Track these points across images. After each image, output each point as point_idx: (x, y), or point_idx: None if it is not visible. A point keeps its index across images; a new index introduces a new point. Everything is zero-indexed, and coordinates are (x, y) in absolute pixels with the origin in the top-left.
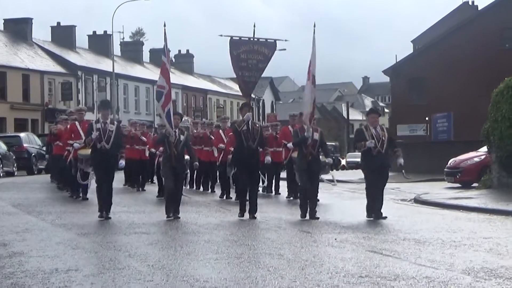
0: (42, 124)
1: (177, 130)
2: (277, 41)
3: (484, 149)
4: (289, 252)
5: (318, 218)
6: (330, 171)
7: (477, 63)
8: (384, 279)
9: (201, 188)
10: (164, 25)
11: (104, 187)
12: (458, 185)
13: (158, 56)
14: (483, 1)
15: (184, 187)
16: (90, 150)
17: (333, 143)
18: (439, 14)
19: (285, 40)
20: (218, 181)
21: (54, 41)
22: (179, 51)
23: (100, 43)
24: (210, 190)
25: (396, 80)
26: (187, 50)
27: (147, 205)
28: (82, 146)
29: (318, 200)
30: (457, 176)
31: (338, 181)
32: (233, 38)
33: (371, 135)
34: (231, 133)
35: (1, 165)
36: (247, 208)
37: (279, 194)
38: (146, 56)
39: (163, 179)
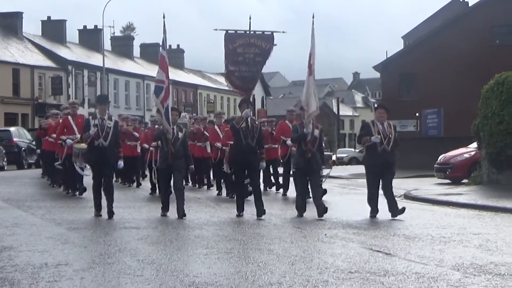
0: (32, 118)
1: (175, 127)
2: (274, 34)
3: (474, 145)
4: (279, 248)
5: (323, 215)
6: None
7: (467, 59)
8: (373, 275)
9: (196, 185)
10: (164, 17)
11: (101, 185)
12: (448, 181)
13: (149, 51)
14: None
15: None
16: (84, 144)
17: (324, 139)
18: (429, 10)
19: (283, 32)
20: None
21: (44, 35)
22: (170, 46)
23: (90, 38)
24: (207, 187)
25: (386, 76)
26: (178, 45)
27: (137, 201)
28: (76, 141)
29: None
30: (447, 172)
31: (329, 176)
32: (229, 31)
33: (378, 131)
34: (227, 128)
35: None
36: (245, 207)
37: (278, 190)
38: (136, 51)
39: (154, 178)
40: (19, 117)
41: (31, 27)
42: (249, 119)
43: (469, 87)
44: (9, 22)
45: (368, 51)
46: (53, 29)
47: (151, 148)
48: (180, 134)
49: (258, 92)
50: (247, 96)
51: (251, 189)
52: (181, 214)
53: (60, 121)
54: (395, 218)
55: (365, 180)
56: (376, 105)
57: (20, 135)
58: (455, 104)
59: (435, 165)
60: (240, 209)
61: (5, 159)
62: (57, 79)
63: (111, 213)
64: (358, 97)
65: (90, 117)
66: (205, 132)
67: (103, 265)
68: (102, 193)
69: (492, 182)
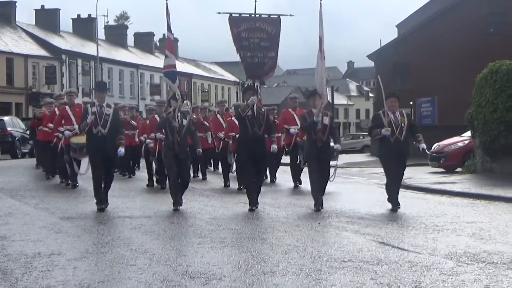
0: (26, 108)
1: (179, 114)
2: (281, 17)
3: (468, 134)
4: (272, 237)
5: (321, 208)
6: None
7: (461, 48)
8: (366, 264)
9: (199, 176)
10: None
11: (101, 175)
12: (441, 169)
13: (143, 40)
14: None
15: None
16: (84, 138)
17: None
18: None
19: (290, 15)
20: (218, 169)
21: (38, 24)
22: (164, 35)
23: (84, 27)
24: (201, 177)
25: (380, 65)
26: None
27: (132, 190)
28: (74, 133)
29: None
30: (441, 161)
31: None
32: (233, 15)
33: (389, 121)
34: (230, 118)
35: None
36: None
37: (274, 181)
38: (130, 40)
39: (154, 170)
40: (12, 107)
41: (25, 16)
42: (255, 107)
43: (463, 76)
44: (2, 11)
45: (362, 40)
46: (47, 18)
47: (147, 140)
48: (185, 122)
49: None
50: (253, 83)
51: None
52: (179, 203)
53: (56, 110)
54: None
55: (360, 169)
56: (386, 94)
57: (14, 125)
58: (449, 93)
59: (429, 154)
60: (253, 202)
61: None
62: (51, 68)
63: (104, 200)
64: (353, 86)
65: (88, 105)
66: (205, 122)
67: (96, 254)
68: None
69: (486, 170)
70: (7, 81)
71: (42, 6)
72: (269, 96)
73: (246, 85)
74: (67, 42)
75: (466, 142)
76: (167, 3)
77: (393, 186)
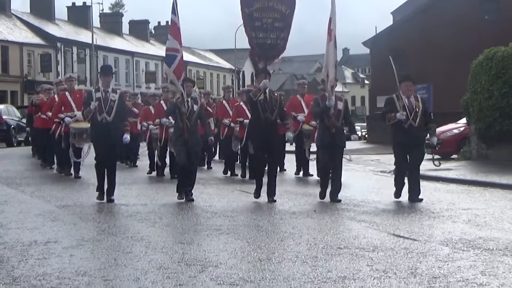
0: (21, 96)
1: (189, 100)
2: None
3: (463, 120)
4: (268, 224)
5: (340, 200)
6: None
7: (457, 35)
8: (362, 250)
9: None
10: None
11: (106, 166)
12: (437, 156)
13: (138, 28)
14: None
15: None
16: (83, 123)
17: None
18: None
19: None
20: (218, 156)
21: (32, 12)
22: (159, 22)
23: (79, 15)
24: (206, 166)
25: (376, 52)
26: (167, 22)
27: (128, 178)
28: (75, 119)
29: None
30: (436, 148)
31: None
32: None
33: (403, 105)
34: (237, 103)
35: None
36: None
37: (285, 170)
38: (125, 27)
39: (158, 158)
40: (8, 95)
41: (19, 3)
42: (267, 91)
43: (458, 62)
44: None
45: (357, 26)
46: (42, 5)
47: (150, 126)
48: (195, 107)
49: (248, 68)
50: (265, 66)
51: (267, 165)
52: (187, 192)
53: (55, 97)
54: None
55: (356, 156)
56: (401, 77)
57: (10, 113)
58: (444, 80)
59: (425, 141)
60: (258, 192)
61: None
62: (46, 56)
63: (110, 194)
64: (348, 73)
65: (93, 90)
66: (208, 108)
67: (92, 242)
68: (117, 179)
69: (481, 157)
70: (2, 69)
71: None
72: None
73: (241, 72)
74: (62, 30)
75: (462, 129)
76: None
77: (410, 180)
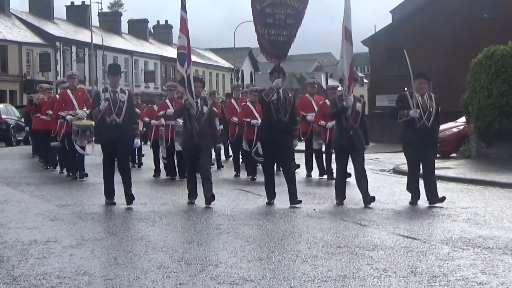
0: (20, 95)
1: (199, 101)
2: None
3: (463, 119)
4: (268, 223)
5: (373, 200)
6: None
7: (455, 34)
8: (362, 249)
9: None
10: None
11: (113, 168)
12: (437, 155)
13: (137, 27)
14: None
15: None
16: (86, 121)
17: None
18: None
19: None
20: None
21: (31, 11)
22: (158, 22)
23: (78, 14)
24: (216, 167)
25: (374, 50)
26: (166, 21)
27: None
28: (77, 118)
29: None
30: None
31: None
32: None
33: (417, 103)
34: (244, 103)
35: None
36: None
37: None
38: (124, 27)
39: (162, 158)
40: (7, 94)
41: (18, 3)
42: (281, 91)
43: (457, 61)
44: None
45: (356, 25)
46: (40, 5)
47: (152, 122)
48: (205, 109)
49: (246, 67)
50: (278, 64)
51: (282, 171)
52: (209, 197)
53: (57, 96)
54: (433, 205)
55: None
56: (415, 74)
57: (9, 112)
58: (443, 79)
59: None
60: (271, 196)
61: None
62: (45, 55)
63: (130, 198)
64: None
65: (101, 90)
66: (214, 108)
67: (92, 241)
68: (114, 178)
69: (480, 156)
70: (1, 68)
71: None
72: (263, 81)
73: (240, 71)
74: (61, 29)
75: (461, 127)
76: None
77: (426, 182)
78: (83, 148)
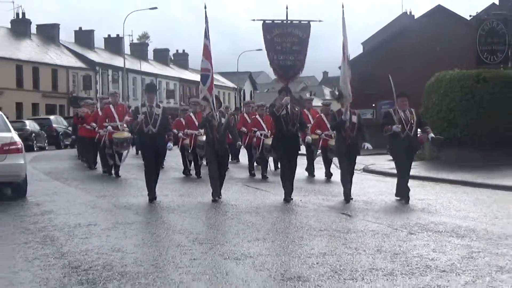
0: (67, 108)
1: (218, 113)
2: (311, 22)
3: (419, 130)
4: (264, 211)
5: (352, 199)
6: None
7: (414, 61)
8: (339, 232)
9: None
10: (205, 7)
11: (153, 169)
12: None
13: (160, 55)
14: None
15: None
16: (124, 133)
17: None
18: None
19: (319, 21)
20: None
21: (76, 42)
22: (177, 50)
23: (113, 44)
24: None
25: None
26: (183, 50)
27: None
28: (116, 127)
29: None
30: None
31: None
32: (266, 21)
33: (399, 118)
34: (254, 116)
35: (35, 141)
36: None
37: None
38: (150, 54)
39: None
40: (57, 108)
41: (66, 35)
42: (289, 106)
43: (416, 83)
44: (49, 32)
45: (334, 54)
46: (84, 37)
47: (180, 134)
48: (223, 120)
49: (247, 87)
50: (287, 84)
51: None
52: (217, 194)
53: (98, 110)
54: (397, 198)
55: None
56: (397, 93)
57: (58, 122)
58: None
59: (387, 146)
60: (289, 193)
61: (46, 141)
62: (87, 77)
63: (153, 199)
64: (327, 91)
65: (139, 105)
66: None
67: (124, 225)
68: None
69: (433, 158)
70: (53, 87)
71: (80, 28)
72: (261, 99)
73: (242, 90)
74: (100, 56)
75: (418, 135)
76: (205, 11)
77: (402, 180)
78: (120, 155)
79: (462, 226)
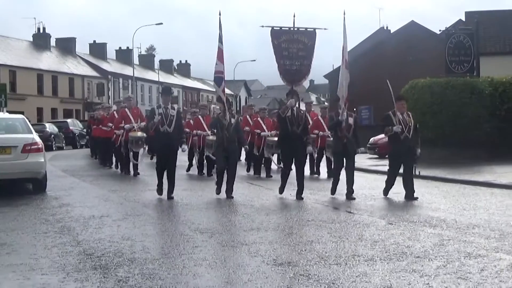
0: (83, 113)
1: (228, 114)
2: (316, 30)
3: None
4: (258, 204)
5: (354, 198)
6: None
7: (391, 70)
8: (324, 222)
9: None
10: (220, 14)
11: (166, 169)
12: (376, 156)
13: (165, 65)
14: (394, 26)
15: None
16: (139, 133)
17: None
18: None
19: (325, 29)
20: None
21: (91, 53)
22: (180, 61)
23: (124, 55)
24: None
25: (333, 82)
26: (186, 60)
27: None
28: (132, 128)
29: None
30: (376, 150)
31: None
32: (274, 28)
33: (399, 120)
34: (256, 118)
35: (54, 142)
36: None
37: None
38: (156, 64)
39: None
40: (73, 112)
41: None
42: (294, 109)
43: (393, 90)
44: (66, 44)
45: (320, 63)
46: (98, 49)
47: (191, 132)
48: (233, 120)
49: (242, 94)
50: (292, 88)
51: (295, 170)
52: (230, 194)
53: (115, 113)
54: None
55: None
56: (396, 97)
57: (74, 125)
58: (382, 102)
59: (367, 145)
60: (282, 190)
61: (64, 142)
62: (100, 85)
63: (171, 194)
64: (313, 97)
65: (155, 106)
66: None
67: (134, 216)
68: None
69: None
70: (69, 94)
71: (94, 41)
72: (255, 104)
73: (238, 96)
74: (112, 66)
75: None
76: (220, 18)
77: (406, 182)
78: (136, 154)
79: (434, 217)
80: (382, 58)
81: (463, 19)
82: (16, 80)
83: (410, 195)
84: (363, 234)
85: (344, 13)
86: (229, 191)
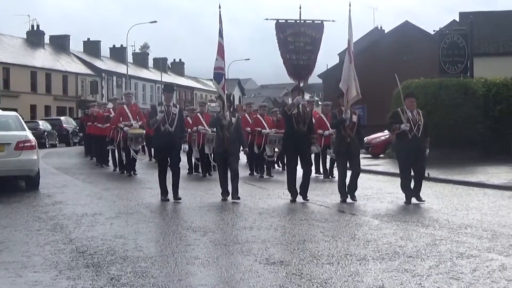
0: (76, 110)
1: (229, 113)
2: (324, 22)
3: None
4: (251, 203)
5: (356, 200)
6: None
7: (384, 70)
8: (317, 222)
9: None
10: (220, 7)
11: (166, 169)
12: (370, 156)
13: (159, 63)
14: (388, 26)
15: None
16: (138, 130)
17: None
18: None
19: (333, 21)
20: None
21: (85, 51)
22: (174, 59)
23: (118, 53)
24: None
25: (327, 81)
26: (180, 59)
27: (152, 169)
28: (132, 128)
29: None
30: (369, 150)
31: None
32: (279, 21)
33: (408, 118)
34: (255, 116)
35: (47, 139)
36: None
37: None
38: (150, 63)
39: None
40: (67, 110)
41: (76, 45)
42: (300, 106)
43: (385, 90)
44: (60, 42)
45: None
46: (91, 47)
47: (188, 130)
48: (234, 120)
49: (236, 92)
50: (299, 84)
51: (302, 170)
52: (236, 196)
53: (111, 110)
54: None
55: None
56: (405, 94)
57: (68, 122)
58: (375, 102)
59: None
60: (294, 194)
61: (57, 139)
62: (94, 82)
63: (177, 194)
64: (307, 96)
65: (156, 103)
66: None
67: (126, 214)
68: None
69: None
70: (63, 91)
71: (88, 39)
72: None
73: (232, 95)
74: (105, 64)
75: (387, 136)
76: (220, 11)
77: (415, 183)
78: (136, 151)
79: (427, 217)
80: (376, 58)
81: (457, 19)
82: (9, 77)
83: (417, 196)
84: (355, 234)
85: (350, 5)
86: (235, 193)
